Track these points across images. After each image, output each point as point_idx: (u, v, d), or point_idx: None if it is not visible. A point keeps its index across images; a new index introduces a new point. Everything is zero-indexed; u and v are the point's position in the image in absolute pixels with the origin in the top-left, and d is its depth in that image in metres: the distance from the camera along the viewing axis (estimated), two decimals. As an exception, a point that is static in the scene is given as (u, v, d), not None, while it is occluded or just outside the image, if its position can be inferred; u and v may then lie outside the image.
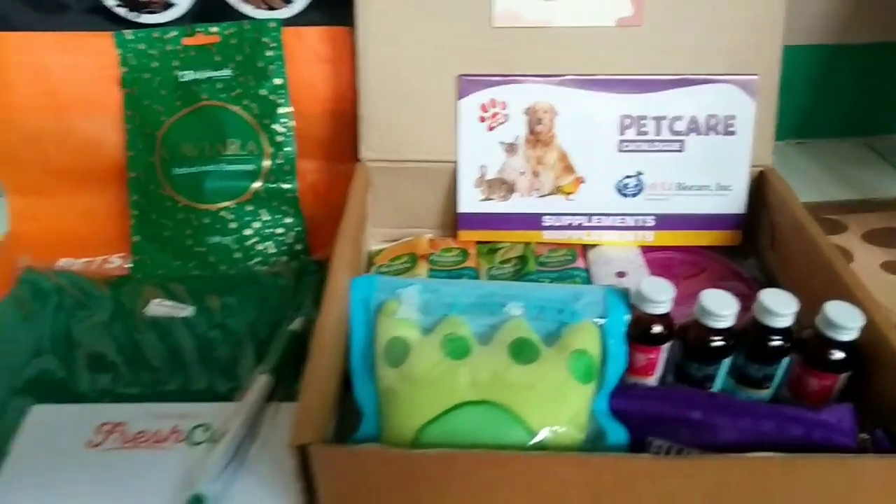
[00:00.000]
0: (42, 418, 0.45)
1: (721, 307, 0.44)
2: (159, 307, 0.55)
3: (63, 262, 0.63)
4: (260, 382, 0.47)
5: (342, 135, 0.67)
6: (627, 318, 0.47)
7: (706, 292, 0.45)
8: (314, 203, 0.67)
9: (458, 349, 0.45)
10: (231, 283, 0.59)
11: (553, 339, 0.46)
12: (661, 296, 0.45)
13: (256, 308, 0.55)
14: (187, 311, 0.54)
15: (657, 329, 0.46)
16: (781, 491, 0.38)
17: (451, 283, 0.52)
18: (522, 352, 0.44)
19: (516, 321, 0.47)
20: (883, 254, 0.67)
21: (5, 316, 0.52)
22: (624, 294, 0.48)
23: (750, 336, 0.46)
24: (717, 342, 0.45)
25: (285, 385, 0.48)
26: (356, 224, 0.55)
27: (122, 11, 0.62)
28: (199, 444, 0.44)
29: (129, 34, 0.62)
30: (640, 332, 0.47)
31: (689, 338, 0.46)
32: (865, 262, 0.66)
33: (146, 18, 0.63)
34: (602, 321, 0.46)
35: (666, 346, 0.47)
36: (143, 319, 0.53)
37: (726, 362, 0.46)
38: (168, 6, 0.63)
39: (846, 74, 0.82)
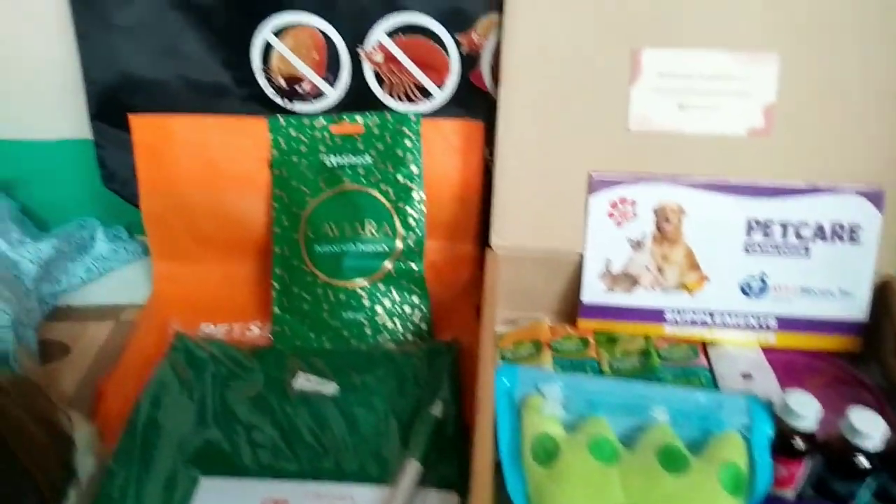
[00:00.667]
0: (211, 492, 0.48)
1: (871, 428, 0.45)
2: (306, 382, 0.58)
3: (204, 327, 0.68)
4: (411, 469, 0.49)
5: (464, 219, 0.71)
6: (771, 431, 0.48)
7: (855, 410, 0.46)
8: (435, 282, 0.70)
9: (606, 452, 0.47)
10: (368, 360, 0.62)
11: (699, 448, 0.47)
12: (807, 411, 0.47)
13: (395, 388, 0.58)
14: (332, 387, 0.57)
15: (801, 443, 0.48)
16: None
17: (590, 379, 0.54)
18: (672, 460, 0.46)
19: (661, 427, 0.48)
20: None
21: (168, 384, 0.56)
22: (767, 405, 0.49)
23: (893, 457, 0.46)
24: (864, 461, 0.46)
25: (429, 469, 0.50)
26: (491, 318, 0.57)
27: (277, 99, 0.68)
28: (358, 526, 0.46)
29: (281, 120, 0.68)
30: (783, 445, 0.48)
31: (834, 453, 0.47)
32: None
33: (298, 107, 0.69)
34: (747, 432, 0.48)
35: (808, 459, 0.48)
36: (293, 394, 0.57)
37: (871, 480, 0.47)
38: (319, 96, 0.68)
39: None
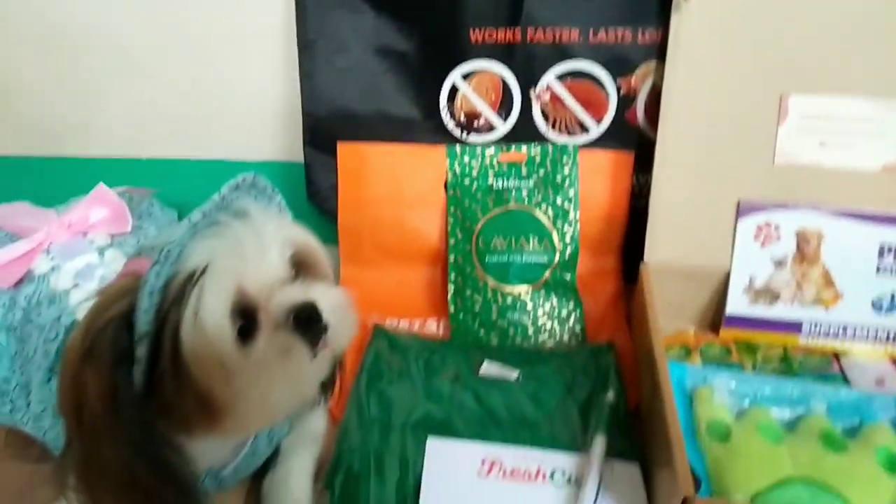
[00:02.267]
0: (439, 449, 0.58)
1: None
2: (492, 369, 0.68)
3: (389, 322, 0.79)
4: (600, 441, 0.58)
5: (611, 236, 0.81)
6: (918, 422, 0.55)
7: None
8: (584, 291, 0.80)
9: (773, 434, 0.55)
10: (539, 356, 0.72)
11: (853, 435, 0.55)
12: (954, 408, 0.54)
13: (569, 378, 0.67)
14: (515, 374, 0.68)
15: (945, 435, 0.55)
16: None
17: (750, 376, 0.63)
18: (832, 442, 0.54)
19: (818, 416, 0.57)
20: None
21: (379, 365, 0.68)
22: (914, 402, 0.56)
23: None
24: None
25: (610, 445, 0.59)
26: (656, 323, 0.66)
27: (456, 131, 0.80)
28: (560, 486, 0.56)
29: (458, 149, 0.80)
30: (929, 437, 0.55)
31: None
32: None
33: (473, 138, 0.80)
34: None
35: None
36: (482, 379, 0.67)
37: None
38: (491, 130, 0.80)
39: None
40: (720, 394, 0.59)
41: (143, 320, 0.40)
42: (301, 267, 0.47)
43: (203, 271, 0.40)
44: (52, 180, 0.89)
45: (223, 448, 0.52)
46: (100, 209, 0.69)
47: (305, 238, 0.48)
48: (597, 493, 0.54)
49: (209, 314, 0.40)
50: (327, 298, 0.45)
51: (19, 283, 0.63)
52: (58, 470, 0.45)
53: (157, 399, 0.42)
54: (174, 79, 0.83)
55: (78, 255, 0.64)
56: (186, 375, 0.41)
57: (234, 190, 0.46)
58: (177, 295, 0.40)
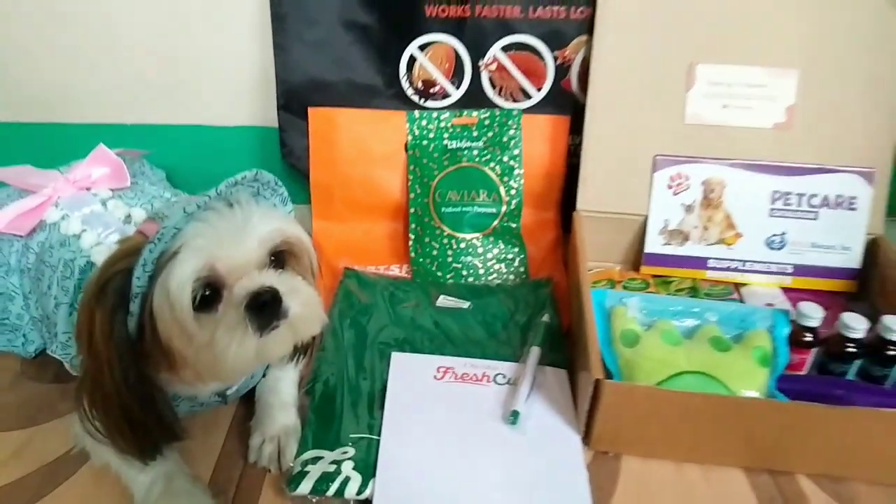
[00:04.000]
0: (400, 361, 0.70)
1: (857, 323, 0.66)
2: (446, 300, 0.80)
3: (357, 267, 0.90)
4: (535, 351, 0.70)
5: (548, 191, 0.92)
6: (788, 329, 0.69)
7: (845, 313, 0.67)
8: (527, 238, 0.92)
9: (672, 339, 0.68)
10: (487, 290, 0.84)
11: (738, 340, 0.68)
12: (814, 314, 0.68)
13: (512, 306, 0.79)
14: (466, 304, 0.79)
15: (809, 337, 0.68)
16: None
17: (657, 297, 0.75)
18: (719, 345, 0.67)
19: (710, 325, 0.70)
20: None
21: (351, 299, 0.79)
22: (786, 314, 0.70)
23: (874, 346, 0.67)
24: (852, 348, 0.67)
25: (544, 355, 0.72)
26: (584, 259, 0.78)
27: (414, 98, 0.90)
28: (501, 385, 0.68)
29: (416, 114, 0.90)
30: (796, 339, 0.69)
31: (831, 346, 0.68)
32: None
33: (430, 104, 0.91)
34: (772, 330, 0.69)
35: (814, 350, 0.69)
36: (439, 308, 0.79)
37: (856, 363, 0.68)
38: (446, 96, 0.90)
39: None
40: (632, 311, 0.71)
41: (137, 284, 0.49)
42: (284, 258, 0.55)
43: (180, 248, 0.49)
44: (45, 145, 0.97)
45: (204, 389, 0.60)
46: (101, 167, 0.78)
47: (293, 232, 0.55)
48: (530, 390, 0.66)
49: (174, 281, 0.48)
50: (293, 290, 0.52)
51: (32, 232, 0.72)
52: (75, 390, 0.53)
53: (141, 345, 0.51)
54: (158, 51, 0.91)
55: (84, 206, 0.72)
56: (155, 330, 0.50)
57: (232, 186, 0.52)
58: (161, 266, 0.49)
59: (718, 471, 0.63)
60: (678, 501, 0.60)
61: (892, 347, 0.66)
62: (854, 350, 0.67)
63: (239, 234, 0.51)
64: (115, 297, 0.50)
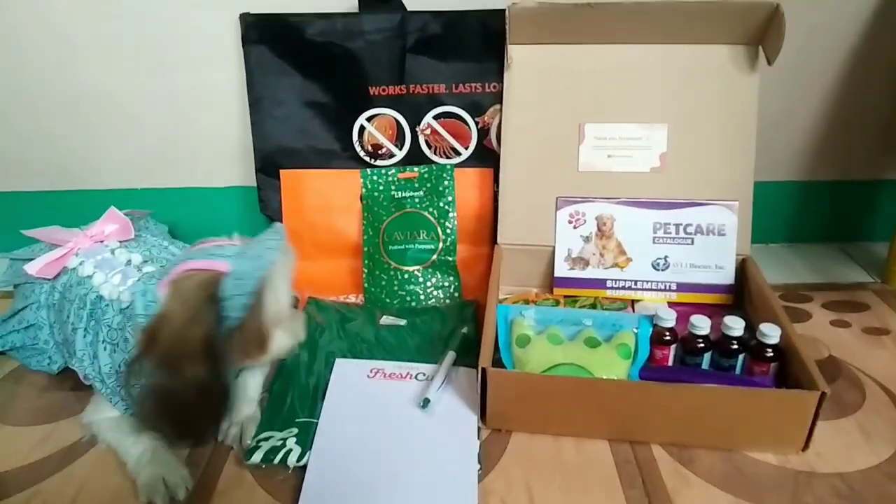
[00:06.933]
0: (342, 365, 0.88)
1: (703, 323, 0.83)
2: (387, 319, 0.98)
3: (319, 297, 1.09)
4: (450, 355, 0.88)
5: (480, 230, 1.11)
6: (650, 330, 0.86)
7: (694, 317, 0.84)
8: (463, 269, 1.10)
9: (556, 341, 0.85)
10: (422, 311, 1.02)
11: (608, 339, 0.85)
12: (669, 316, 0.84)
13: (440, 322, 0.97)
14: (403, 322, 0.97)
15: (668, 336, 0.85)
16: (728, 405, 0.75)
17: (550, 309, 0.92)
18: (592, 343, 0.84)
19: (588, 329, 0.87)
20: (834, 315, 1.02)
21: (311, 321, 0.97)
22: (650, 318, 0.87)
23: (720, 341, 0.83)
24: (701, 344, 0.83)
25: (461, 359, 0.89)
26: (496, 282, 0.96)
27: (366, 158, 1.11)
28: (421, 381, 0.85)
29: (368, 171, 1.11)
30: (658, 338, 0.85)
31: (687, 343, 0.85)
32: (819, 319, 1.01)
33: (379, 163, 1.11)
34: (637, 331, 0.86)
35: (673, 347, 0.85)
36: (381, 326, 0.97)
37: (707, 356, 0.84)
38: (391, 156, 1.11)
39: (820, 203, 1.20)
40: (528, 320, 0.89)
41: (235, 312, 0.67)
42: None
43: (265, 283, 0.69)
44: (71, 208, 1.19)
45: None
46: (111, 224, 0.99)
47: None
48: (441, 383, 0.84)
49: (281, 302, 0.71)
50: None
51: (57, 276, 0.92)
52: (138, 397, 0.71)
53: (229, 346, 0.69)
54: (160, 129, 1.14)
55: (97, 254, 0.93)
56: (261, 330, 0.70)
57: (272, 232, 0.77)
58: (256, 299, 0.68)
59: (588, 442, 0.79)
60: (552, 466, 0.76)
61: (733, 342, 0.83)
62: (702, 346, 0.84)
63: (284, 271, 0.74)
64: (213, 317, 0.67)
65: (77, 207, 1.19)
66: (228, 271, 0.68)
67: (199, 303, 0.67)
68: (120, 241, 0.97)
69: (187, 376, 0.65)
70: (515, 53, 1.01)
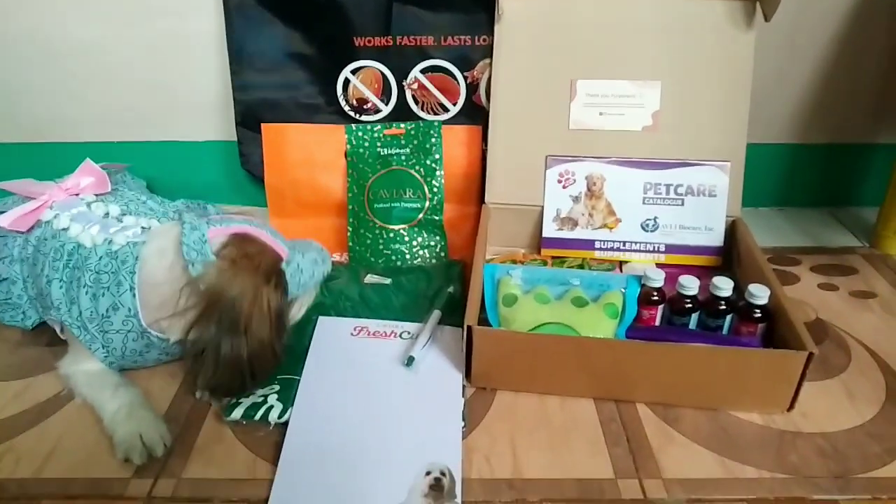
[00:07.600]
0: (325, 322, 0.86)
1: (691, 283, 0.82)
2: (372, 278, 0.96)
3: (304, 257, 1.06)
4: (435, 314, 0.87)
5: (468, 189, 1.09)
6: (638, 290, 0.84)
7: (683, 276, 0.83)
8: (449, 228, 1.08)
9: (543, 300, 0.84)
10: (407, 270, 1.00)
11: (596, 298, 0.84)
12: (657, 276, 0.83)
13: (426, 281, 0.96)
14: (388, 280, 0.96)
15: (656, 296, 0.84)
16: (714, 364, 0.74)
17: (538, 269, 0.91)
18: (579, 302, 0.83)
19: (575, 288, 0.85)
20: (822, 278, 1.02)
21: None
22: (638, 279, 0.86)
23: (708, 302, 0.83)
24: (689, 304, 0.83)
25: (446, 318, 0.88)
26: (484, 241, 0.95)
27: (351, 113, 1.08)
28: (405, 340, 0.84)
29: (353, 126, 1.07)
30: (646, 298, 0.84)
31: (674, 303, 0.84)
32: (807, 282, 1.01)
33: (365, 118, 1.08)
34: (624, 290, 0.84)
35: (661, 307, 0.84)
36: (365, 284, 0.95)
37: (694, 317, 0.83)
38: (377, 111, 1.08)
39: (812, 166, 1.19)
40: (515, 279, 0.87)
41: (293, 291, 0.75)
42: None
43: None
44: (44, 161, 1.15)
45: None
46: (87, 177, 0.96)
47: None
48: (426, 341, 0.82)
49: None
50: None
51: (31, 229, 0.89)
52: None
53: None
54: (137, 80, 1.10)
55: (72, 207, 0.90)
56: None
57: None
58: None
59: (573, 401, 0.78)
60: (536, 423, 0.75)
61: (721, 302, 0.82)
62: (690, 306, 0.83)
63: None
64: (284, 288, 0.74)
65: (52, 160, 1.14)
66: (288, 259, 0.76)
67: (271, 275, 0.73)
68: (96, 195, 0.94)
69: (256, 338, 0.70)
70: (506, 5, 0.98)
